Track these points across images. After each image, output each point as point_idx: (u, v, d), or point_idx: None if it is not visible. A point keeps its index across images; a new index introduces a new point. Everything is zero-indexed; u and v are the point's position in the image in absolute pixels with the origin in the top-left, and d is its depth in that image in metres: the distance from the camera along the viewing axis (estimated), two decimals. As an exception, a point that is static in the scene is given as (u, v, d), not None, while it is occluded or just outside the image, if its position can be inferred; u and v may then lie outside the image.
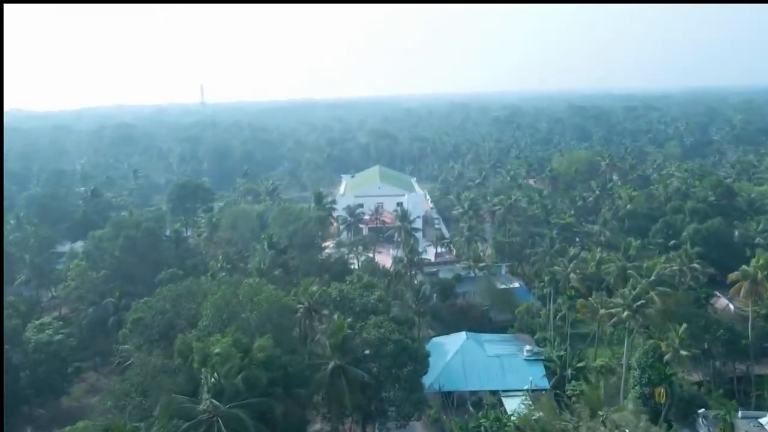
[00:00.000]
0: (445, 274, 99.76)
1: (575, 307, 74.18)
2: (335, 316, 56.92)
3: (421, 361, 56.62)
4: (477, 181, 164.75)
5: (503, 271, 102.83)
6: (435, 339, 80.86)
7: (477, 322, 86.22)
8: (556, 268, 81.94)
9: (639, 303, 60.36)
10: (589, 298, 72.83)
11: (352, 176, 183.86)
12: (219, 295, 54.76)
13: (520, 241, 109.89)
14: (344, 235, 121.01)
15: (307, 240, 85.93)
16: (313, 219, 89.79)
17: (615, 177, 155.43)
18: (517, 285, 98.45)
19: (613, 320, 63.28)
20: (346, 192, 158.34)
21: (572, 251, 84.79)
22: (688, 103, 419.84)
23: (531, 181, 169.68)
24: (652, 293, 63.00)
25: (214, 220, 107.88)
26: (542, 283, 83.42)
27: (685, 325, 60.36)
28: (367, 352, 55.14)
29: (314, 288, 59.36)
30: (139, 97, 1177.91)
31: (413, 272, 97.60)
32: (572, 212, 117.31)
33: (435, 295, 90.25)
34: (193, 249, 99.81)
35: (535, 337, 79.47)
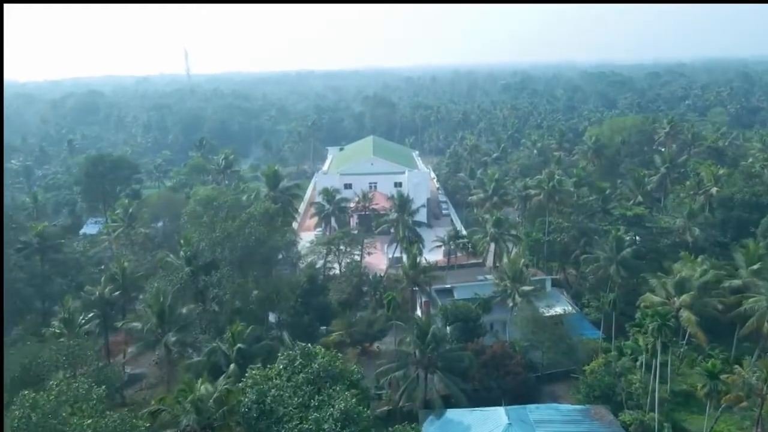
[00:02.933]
0: (462, 293, 67.22)
1: (717, 386, 40.89)
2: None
3: None
4: (495, 154, 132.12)
5: (548, 286, 70.20)
6: (452, 413, 48.77)
7: (517, 380, 54.25)
8: (655, 298, 49.22)
9: None
10: (737, 368, 40.21)
11: (341, 149, 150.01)
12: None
13: (567, 240, 77.60)
14: (322, 229, 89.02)
15: (249, 249, 52.95)
16: (256, 215, 55.58)
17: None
18: (572, 310, 66.11)
19: None
20: (330, 169, 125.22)
21: (681, 270, 51.78)
22: (714, 70, 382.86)
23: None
24: None
25: (131, 210, 75.06)
26: (638, 329, 50.14)
27: None
28: None
29: (203, 389, 26.59)
30: (130, 68, 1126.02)
31: (415, 289, 66.13)
32: (639, 199, 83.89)
33: (449, 329, 58.51)
34: (77, 261, 66.13)
35: (622, 417, 47.53)
